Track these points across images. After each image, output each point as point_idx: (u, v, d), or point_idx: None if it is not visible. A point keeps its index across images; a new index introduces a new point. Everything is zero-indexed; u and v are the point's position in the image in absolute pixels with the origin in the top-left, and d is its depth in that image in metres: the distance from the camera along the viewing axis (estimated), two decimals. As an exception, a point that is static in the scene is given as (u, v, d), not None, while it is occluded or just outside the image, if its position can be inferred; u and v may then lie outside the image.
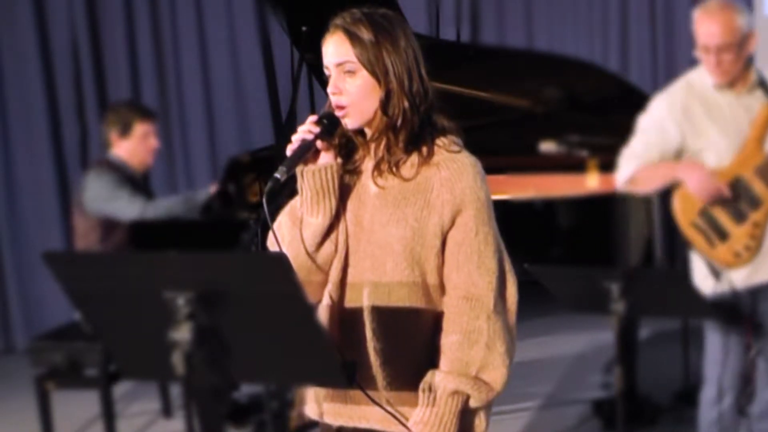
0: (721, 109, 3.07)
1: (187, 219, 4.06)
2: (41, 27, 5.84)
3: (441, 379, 1.92)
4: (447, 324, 1.94)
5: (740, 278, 3.10)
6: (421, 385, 1.93)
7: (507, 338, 1.95)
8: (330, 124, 1.92)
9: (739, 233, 3.05)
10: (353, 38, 1.89)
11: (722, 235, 3.07)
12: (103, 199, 3.87)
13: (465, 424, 1.96)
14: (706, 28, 2.98)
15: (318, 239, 1.95)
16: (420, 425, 1.92)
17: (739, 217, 3.05)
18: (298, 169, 1.93)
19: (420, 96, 1.93)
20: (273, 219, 1.96)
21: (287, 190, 2.02)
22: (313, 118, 1.93)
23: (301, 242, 1.95)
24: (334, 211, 1.94)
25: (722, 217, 3.06)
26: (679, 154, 3.11)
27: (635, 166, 3.16)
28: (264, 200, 1.85)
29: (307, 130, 1.91)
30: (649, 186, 3.21)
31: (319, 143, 1.91)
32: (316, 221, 1.94)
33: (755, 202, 3.04)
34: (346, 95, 1.91)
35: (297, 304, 1.64)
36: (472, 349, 1.91)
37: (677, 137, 3.08)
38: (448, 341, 1.93)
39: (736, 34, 2.96)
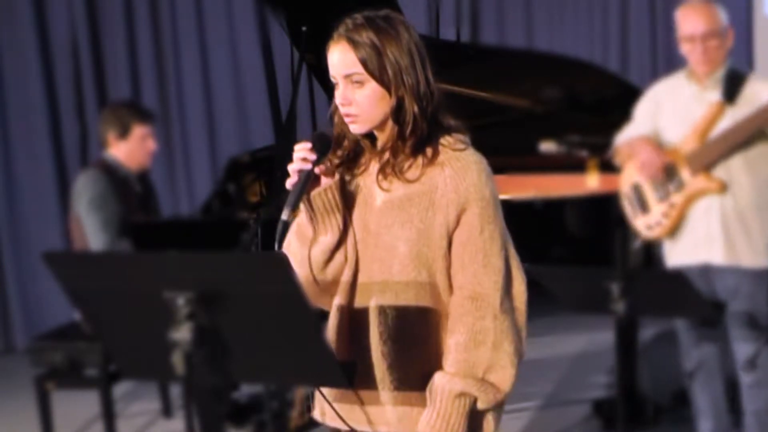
0: (683, 97, 3.31)
1: (187, 219, 4.05)
2: (41, 26, 5.84)
3: (447, 381, 1.90)
4: (453, 324, 1.93)
5: (676, 256, 3.36)
6: (428, 387, 1.92)
7: (515, 337, 1.93)
8: (323, 146, 1.91)
9: (656, 209, 3.38)
10: (358, 47, 1.88)
11: (644, 208, 3.43)
12: (84, 212, 3.86)
13: (473, 426, 1.94)
14: (691, 19, 3.24)
15: (328, 255, 1.95)
16: (427, 428, 1.90)
17: (662, 196, 3.36)
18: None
19: (428, 98, 1.92)
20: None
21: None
22: (304, 144, 1.90)
23: (309, 262, 1.95)
24: (342, 225, 1.94)
25: (649, 192, 3.40)
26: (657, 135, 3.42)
27: (619, 142, 3.52)
28: (276, 246, 1.84)
29: (302, 158, 1.89)
30: (622, 157, 3.51)
31: (317, 169, 1.91)
32: (326, 239, 1.94)
33: (679, 186, 3.29)
34: (356, 106, 1.90)
35: (297, 304, 1.64)
36: (479, 349, 1.90)
37: (653, 120, 3.40)
38: (453, 342, 1.92)
39: (718, 23, 3.21)
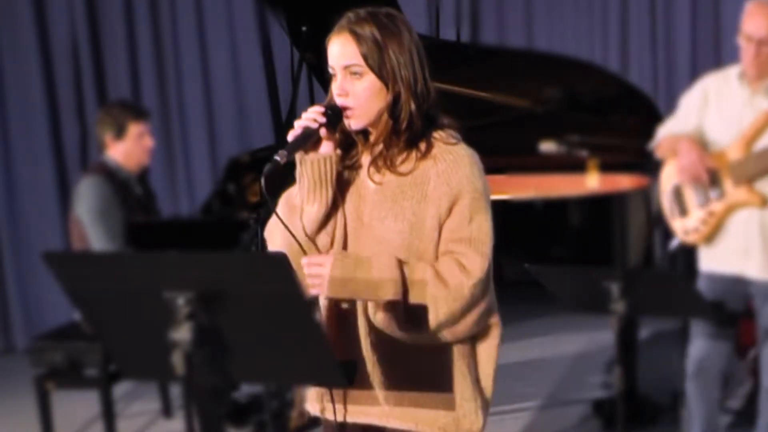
0: (733, 98, 3.20)
1: (187, 219, 4.05)
2: (41, 26, 5.84)
3: (391, 261, 1.88)
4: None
5: (709, 263, 3.30)
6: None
7: (455, 314, 1.89)
8: (334, 116, 1.93)
9: (695, 215, 3.30)
10: (360, 40, 1.90)
11: (682, 211, 3.34)
12: (89, 221, 3.86)
13: (458, 415, 1.96)
14: (755, 20, 3.11)
15: (313, 227, 1.95)
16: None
17: (702, 202, 3.26)
18: (298, 157, 1.93)
19: (424, 96, 1.94)
20: (273, 201, 1.96)
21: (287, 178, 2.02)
22: (317, 108, 1.93)
23: (302, 230, 1.94)
24: (330, 201, 1.94)
25: (689, 196, 3.31)
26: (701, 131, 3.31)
27: (662, 135, 3.41)
28: (263, 181, 1.84)
29: (312, 118, 1.91)
30: (664, 152, 3.42)
31: (322, 131, 1.91)
32: (311, 209, 1.94)
33: (720, 194, 3.22)
34: (353, 97, 1.92)
35: (297, 304, 1.64)
36: (437, 285, 1.87)
37: (698, 114, 3.29)
38: (423, 268, 1.90)
39: None
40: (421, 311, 1.88)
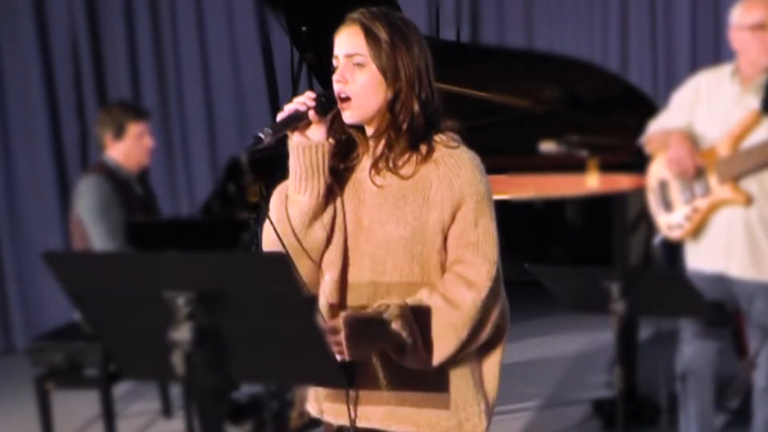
0: (724, 96, 3.20)
1: (187, 219, 4.04)
2: (41, 27, 5.84)
3: (396, 305, 1.88)
4: (441, 283, 1.92)
5: (693, 260, 3.31)
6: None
7: (471, 334, 1.91)
8: (327, 102, 1.92)
9: (680, 211, 3.30)
10: (368, 33, 1.90)
11: (667, 206, 3.34)
12: (89, 220, 3.86)
13: (460, 418, 1.96)
14: (753, 8, 3.10)
15: (305, 218, 1.93)
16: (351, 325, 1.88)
17: (687, 198, 3.26)
18: (289, 143, 1.92)
19: (428, 99, 1.94)
20: (258, 177, 1.96)
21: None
22: (310, 93, 1.92)
23: (288, 221, 1.93)
24: (322, 192, 1.92)
25: (675, 191, 3.31)
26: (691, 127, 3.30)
27: (652, 130, 3.41)
28: (245, 156, 1.83)
29: (302, 102, 1.90)
30: (653, 147, 3.42)
31: (312, 114, 1.90)
32: (302, 199, 1.92)
33: (705, 191, 3.22)
34: (352, 86, 1.91)
35: (297, 304, 1.64)
36: (447, 314, 1.88)
37: (690, 110, 3.28)
38: (433, 291, 1.90)
39: None
40: (442, 340, 1.89)
